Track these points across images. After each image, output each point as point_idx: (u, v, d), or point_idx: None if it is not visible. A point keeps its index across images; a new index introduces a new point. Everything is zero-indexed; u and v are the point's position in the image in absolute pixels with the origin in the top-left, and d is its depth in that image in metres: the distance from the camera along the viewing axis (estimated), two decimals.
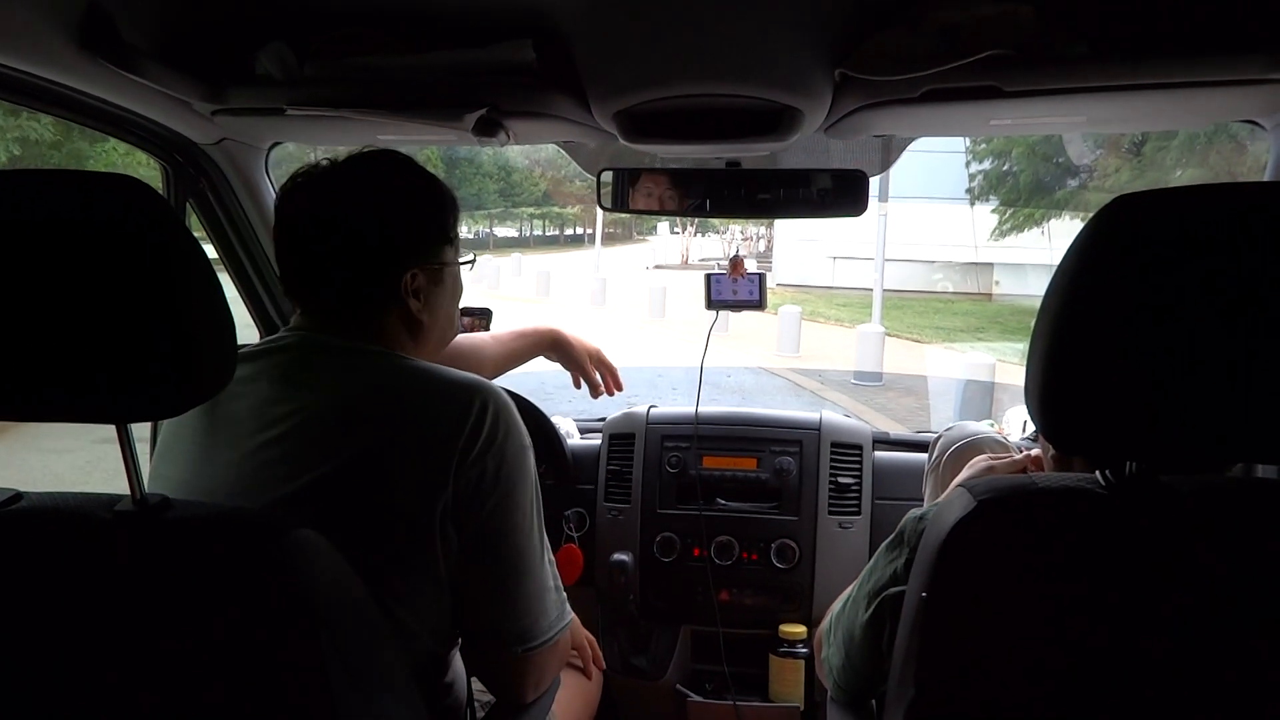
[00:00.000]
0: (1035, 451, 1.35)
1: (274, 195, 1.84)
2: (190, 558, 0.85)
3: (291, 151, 1.96)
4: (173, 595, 0.85)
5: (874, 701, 1.29)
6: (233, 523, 0.87)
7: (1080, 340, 0.80)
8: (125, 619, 0.85)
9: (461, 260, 1.30)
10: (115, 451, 0.90)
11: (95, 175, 0.83)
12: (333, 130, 1.57)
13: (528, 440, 1.18)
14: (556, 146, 1.83)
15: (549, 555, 1.22)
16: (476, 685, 1.33)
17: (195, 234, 1.48)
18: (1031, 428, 2.01)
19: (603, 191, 1.73)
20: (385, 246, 1.18)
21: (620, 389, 1.97)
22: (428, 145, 1.79)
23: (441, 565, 1.10)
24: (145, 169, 1.81)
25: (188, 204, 1.77)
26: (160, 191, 1.58)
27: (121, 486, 0.89)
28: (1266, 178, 1.50)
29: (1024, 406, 0.89)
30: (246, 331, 1.97)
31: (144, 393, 0.84)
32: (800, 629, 2.00)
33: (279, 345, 1.17)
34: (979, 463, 1.41)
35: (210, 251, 1.89)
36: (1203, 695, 0.81)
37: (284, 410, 1.10)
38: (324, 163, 1.20)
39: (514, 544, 1.15)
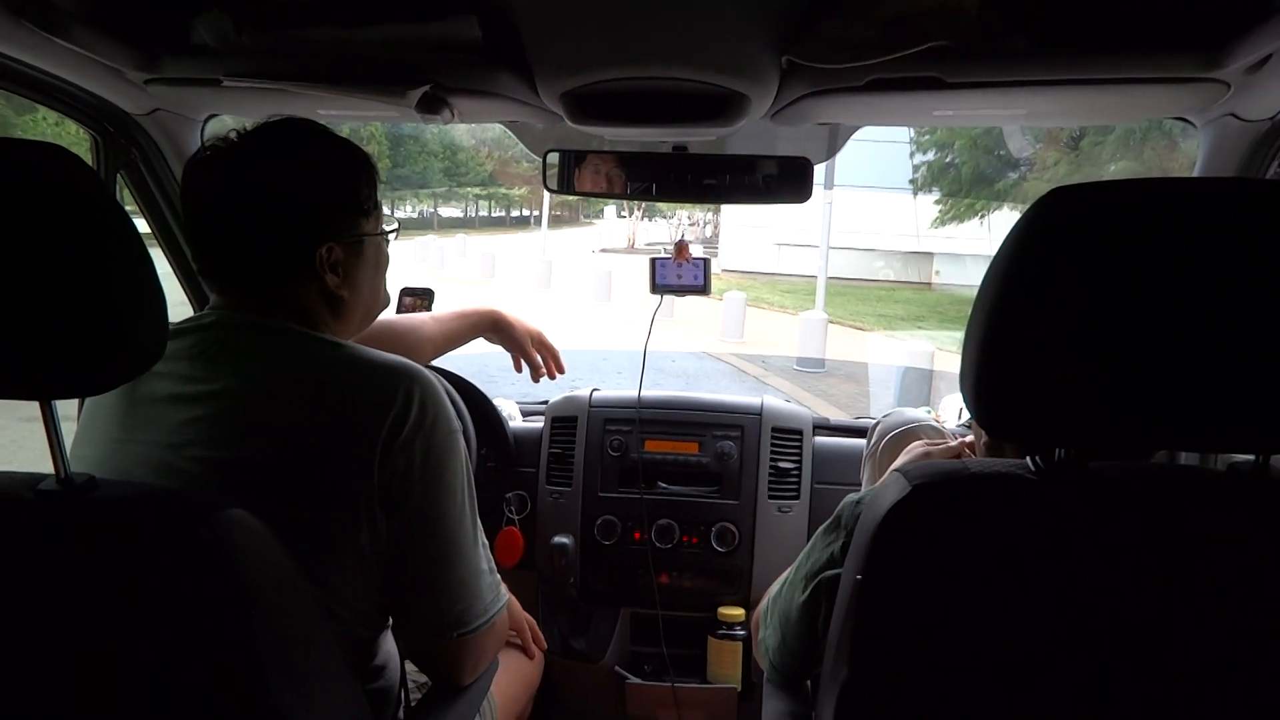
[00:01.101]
0: (969, 438, 1.38)
1: None
2: (118, 538, 0.83)
3: (229, 125, 1.91)
4: (100, 576, 0.83)
5: (809, 682, 1.31)
6: (162, 503, 0.85)
7: (1013, 328, 0.82)
8: (50, 600, 0.83)
9: (382, 230, 1.24)
10: (42, 430, 0.87)
11: (19, 142, 0.80)
12: (271, 103, 1.53)
13: (457, 424, 1.16)
14: (503, 126, 1.81)
15: (482, 538, 1.21)
16: (410, 666, 1.32)
17: (127, 208, 1.44)
18: (966, 414, 2.05)
19: (548, 173, 1.72)
20: (295, 222, 1.13)
21: (562, 372, 1.97)
22: (370, 121, 1.76)
23: (369, 551, 1.08)
24: (77, 142, 1.75)
25: (118, 176, 1.72)
26: (89, 162, 1.53)
27: (48, 466, 0.87)
28: (1196, 174, 1.55)
29: (960, 394, 0.91)
30: (182, 310, 1.93)
31: (69, 369, 0.81)
32: (738, 611, 2.03)
33: (200, 324, 1.13)
34: (916, 449, 1.44)
35: (143, 227, 1.83)
36: (1129, 674, 0.84)
37: (204, 390, 1.07)
38: (231, 135, 1.15)
39: (445, 529, 1.13)
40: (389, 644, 1.26)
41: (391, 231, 1.27)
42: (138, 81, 1.45)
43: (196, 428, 1.06)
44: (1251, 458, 0.87)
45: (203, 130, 1.79)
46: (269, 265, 1.13)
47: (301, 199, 1.13)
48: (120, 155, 1.69)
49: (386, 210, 1.27)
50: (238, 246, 1.13)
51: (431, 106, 1.45)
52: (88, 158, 1.66)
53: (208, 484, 1.03)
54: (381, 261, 1.26)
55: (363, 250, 1.20)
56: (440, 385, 1.14)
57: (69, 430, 1.17)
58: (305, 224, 1.13)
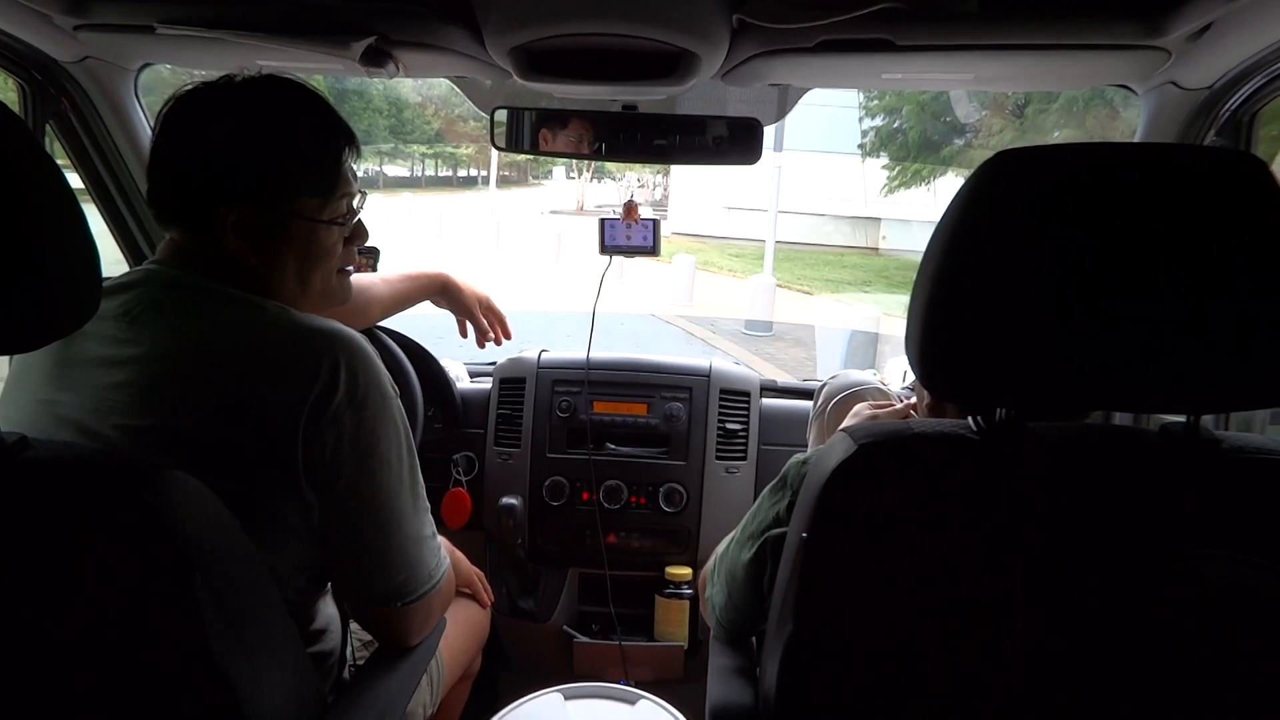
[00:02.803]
0: (913, 400, 1.40)
1: (144, 120, 1.74)
2: (53, 499, 0.81)
3: (166, 77, 1.85)
4: (35, 539, 0.81)
5: (754, 639, 1.33)
6: (100, 464, 0.83)
7: (957, 291, 0.83)
8: None
9: (322, 218, 1.14)
10: None
11: None
12: (208, 53, 1.48)
13: (390, 390, 1.11)
14: (450, 82, 1.78)
15: (422, 503, 1.18)
16: (357, 627, 1.32)
17: (59, 161, 1.39)
18: (911, 377, 2.09)
19: (496, 130, 1.69)
20: (204, 171, 1.08)
21: (509, 338, 1.96)
22: (313, 74, 1.71)
23: (299, 525, 1.06)
24: (3, 91, 1.68)
25: (47, 126, 1.65)
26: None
27: None
28: (1136, 140, 1.57)
29: (905, 356, 0.92)
30: (119, 268, 1.87)
31: None
32: (685, 571, 2.05)
33: (128, 281, 1.09)
34: (863, 411, 1.45)
35: (75, 182, 1.78)
36: (1068, 626, 0.86)
37: (129, 354, 1.03)
38: (222, 80, 1.10)
39: (382, 503, 1.10)
40: (329, 607, 1.25)
41: (333, 221, 1.16)
42: (66, 27, 1.39)
43: (120, 393, 1.02)
44: (1183, 419, 0.89)
45: (136, 80, 1.73)
46: (179, 210, 1.10)
47: (223, 151, 1.08)
48: (49, 105, 1.63)
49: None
50: (166, 194, 1.10)
51: (376, 60, 1.41)
52: (15, 107, 1.60)
53: (131, 451, 1.00)
54: (316, 250, 1.15)
55: (288, 227, 1.12)
56: (374, 351, 1.10)
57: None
58: (213, 175, 1.08)
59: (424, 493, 1.19)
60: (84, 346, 1.05)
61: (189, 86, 1.11)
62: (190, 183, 1.09)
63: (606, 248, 1.97)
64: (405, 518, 1.14)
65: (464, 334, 1.93)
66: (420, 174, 38.43)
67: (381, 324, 1.83)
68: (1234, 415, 1.51)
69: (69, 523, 0.81)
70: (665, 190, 26.35)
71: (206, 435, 1.01)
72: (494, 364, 2.25)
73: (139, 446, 1.00)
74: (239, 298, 1.09)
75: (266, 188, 1.10)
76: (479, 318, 1.89)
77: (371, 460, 1.08)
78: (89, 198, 1.82)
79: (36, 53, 1.53)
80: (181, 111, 1.10)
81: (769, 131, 1.70)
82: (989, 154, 0.83)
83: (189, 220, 1.11)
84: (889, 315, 10.19)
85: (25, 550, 0.81)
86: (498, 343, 1.96)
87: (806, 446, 1.84)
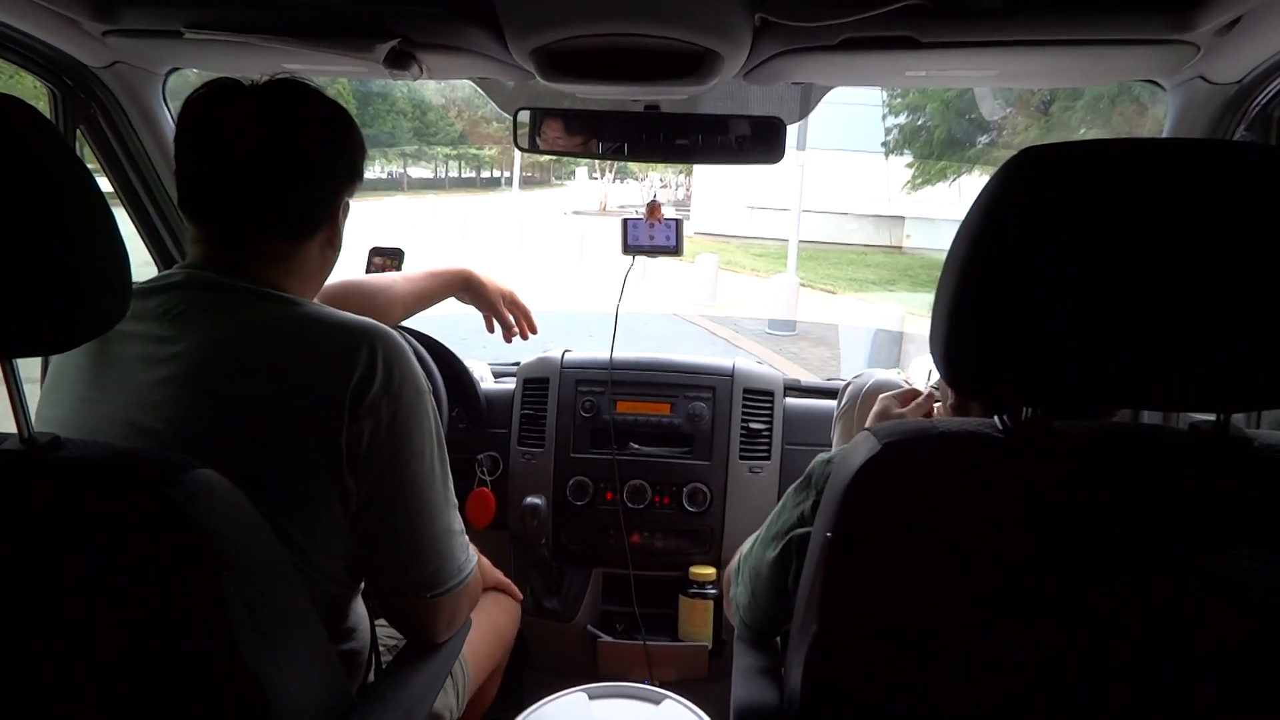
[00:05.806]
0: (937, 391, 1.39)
1: (172, 124, 1.76)
2: (84, 498, 0.82)
3: (191, 80, 1.87)
4: (66, 537, 0.82)
5: (779, 639, 1.33)
6: (128, 462, 0.84)
7: (983, 288, 0.83)
8: (15, 562, 0.82)
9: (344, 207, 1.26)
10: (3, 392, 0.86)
11: None
12: (235, 57, 1.49)
13: (425, 384, 1.15)
14: (474, 86, 1.78)
15: (452, 498, 1.21)
16: (382, 630, 1.32)
17: (89, 166, 1.41)
18: (935, 376, 2.07)
19: (519, 131, 1.70)
20: (327, 169, 1.15)
21: (534, 331, 1.95)
22: (338, 76, 1.72)
23: (340, 514, 1.08)
24: (34, 96, 1.71)
25: (78, 131, 1.68)
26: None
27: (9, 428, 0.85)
28: (1164, 136, 1.56)
29: (929, 355, 0.91)
30: (147, 270, 1.89)
31: (30, 326, 0.80)
32: (710, 571, 2.05)
33: (168, 283, 1.11)
34: (890, 405, 1.44)
35: (105, 186, 1.80)
36: (1093, 627, 0.86)
37: (172, 351, 1.06)
38: (245, 80, 1.12)
39: (415, 492, 1.13)
40: (360, 606, 1.26)
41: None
42: (95, 33, 1.41)
43: (165, 389, 1.04)
44: (1213, 417, 0.88)
45: (164, 85, 1.75)
46: (291, 211, 1.14)
47: (333, 148, 1.15)
48: (79, 109, 1.65)
49: None
50: (258, 189, 1.12)
51: (400, 62, 1.42)
52: (45, 112, 1.62)
53: (177, 446, 1.01)
54: (339, 239, 1.24)
55: (328, 223, 1.20)
56: (407, 346, 1.13)
57: (33, 392, 1.15)
58: (337, 172, 1.16)
59: (453, 488, 1.21)
60: (124, 346, 1.08)
61: (201, 91, 1.12)
62: (230, 194, 1.11)
63: (629, 248, 1.97)
64: (437, 509, 1.16)
65: (490, 329, 1.93)
66: (444, 175, 38.59)
67: (404, 324, 1.84)
68: (1265, 414, 1.49)
69: (98, 522, 0.82)
70: (688, 190, 26.34)
71: (251, 428, 1.04)
72: (518, 364, 2.26)
73: (186, 441, 1.02)
74: (276, 295, 1.12)
75: (315, 191, 1.16)
76: (504, 312, 1.89)
77: (406, 450, 1.11)
78: (118, 201, 1.84)
79: (66, 58, 1.55)
80: (213, 121, 1.12)
81: (792, 130, 1.69)
82: (1014, 152, 0.82)
83: (227, 228, 1.13)
84: (913, 314, 10.13)
85: (56, 549, 0.82)
86: (524, 336, 1.95)
87: (831, 446, 1.83)
